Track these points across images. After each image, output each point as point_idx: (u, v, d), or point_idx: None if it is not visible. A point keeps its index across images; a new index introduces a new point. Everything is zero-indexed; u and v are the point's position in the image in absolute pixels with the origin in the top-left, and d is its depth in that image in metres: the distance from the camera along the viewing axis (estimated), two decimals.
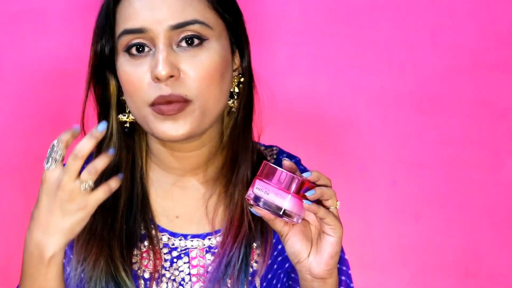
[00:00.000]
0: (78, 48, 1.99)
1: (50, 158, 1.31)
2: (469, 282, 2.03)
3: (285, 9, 2.04)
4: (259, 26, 2.01)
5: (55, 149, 1.31)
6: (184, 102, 1.37)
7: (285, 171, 1.29)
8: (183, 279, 1.45)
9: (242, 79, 1.48)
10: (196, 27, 1.38)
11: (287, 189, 1.29)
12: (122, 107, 1.47)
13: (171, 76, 1.36)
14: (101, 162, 1.31)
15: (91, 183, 1.31)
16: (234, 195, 1.46)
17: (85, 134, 1.48)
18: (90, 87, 1.46)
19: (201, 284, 1.44)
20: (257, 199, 1.30)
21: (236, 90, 1.47)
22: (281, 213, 1.29)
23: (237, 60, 1.47)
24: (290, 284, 1.49)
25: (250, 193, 1.31)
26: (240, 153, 1.47)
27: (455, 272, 2.02)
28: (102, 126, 1.31)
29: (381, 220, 2.02)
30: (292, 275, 1.49)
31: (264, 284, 1.45)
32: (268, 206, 1.29)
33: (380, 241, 2.02)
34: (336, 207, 1.32)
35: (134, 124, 1.47)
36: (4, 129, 1.99)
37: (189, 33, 1.38)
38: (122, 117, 1.47)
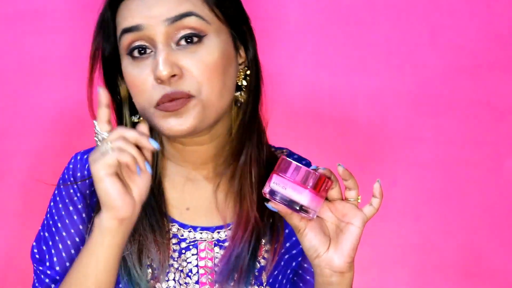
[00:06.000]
0: (78, 48, 1.99)
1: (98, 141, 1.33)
2: (469, 282, 2.03)
3: (285, 9, 2.04)
4: (259, 26, 2.00)
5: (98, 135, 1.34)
6: (187, 97, 1.38)
7: (303, 166, 1.30)
8: (190, 271, 1.45)
9: (248, 72, 1.49)
10: (192, 20, 1.39)
11: (304, 184, 1.29)
12: (134, 108, 1.49)
13: (173, 76, 1.37)
14: (137, 136, 1.31)
15: (105, 136, 1.32)
16: (241, 188, 1.47)
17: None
18: (93, 90, 1.48)
19: (208, 276, 1.45)
20: (274, 193, 1.31)
21: (244, 83, 1.48)
22: (298, 208, 1.30)
23: (242, 53, 1.48)
24: (295, 280, 1.50)
25: (267, 188, 1.31)
26: (245, 144, 1.48)
27: (455, 272, 2.02)
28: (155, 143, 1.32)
29: (381, 220, 2.02)
30: (300, 271, 1.50)
31: (270, 280, 1.46)
32: (285, 201, 1.30)
33: (380, 241, 2.02)
34: (357, 201, 1.35)
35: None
36: (4, 129, 1.99)
37: (188, 30, 1.39)
38: (134, 119, 1.49)
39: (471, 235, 2.03)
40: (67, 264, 1.46)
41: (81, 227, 1.48)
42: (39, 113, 1.99)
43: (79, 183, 1.50)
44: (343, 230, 1.33)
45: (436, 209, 2.03)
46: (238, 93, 1.47)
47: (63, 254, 1.47)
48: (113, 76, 1.48)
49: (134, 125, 1.48)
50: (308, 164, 1.57)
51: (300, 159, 1.57)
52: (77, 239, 1.48)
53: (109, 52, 1.45)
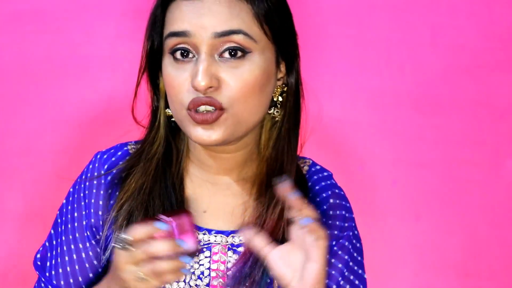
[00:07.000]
0: (78, 48, 2.00)
1: (119, 244, 1.30)
2: (469, 282, 2.02)
3: None
4: None
5: (125, 241, 1.29)
6: (218, 110, 1.38)
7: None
8: (202, 273, 1.45)
9: (285, 89, 1.48)
10: (240, 38, 1.39)
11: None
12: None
13: (210, 87, 1.37)
14: (171, 274, 1.29)
15: (145, 277, 1.29)
16: (276, 203, 1.45)
17: (136, 121, 1.52)
18: (140, 81, 1.49)
19: (220, 280, 1.45)
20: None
21: (280, 99, 1.48)
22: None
23: (283, 68, 1.48)
24: None
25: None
26: (285, 166, 1.47)
27: (455, 272, 2.02)
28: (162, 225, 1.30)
29: (381, 220, 2.02)
30: None
31: None
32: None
33: (380, 241, 2.02)
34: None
35: None
36: (4, 129, 1.99)
37: (233, 44, 1.39)
38: (169, 112, 1.49)
39: (471, 235, 2.03)
40: (60, 270, 1.47)
41: (88, 232, 1.48)
42: (39, 113, 1.99)
43: (97, 184, 1.49)
44: (305, 265, 1.32)
45: (436, 209, 2.03)
46: (272, 110, 1.47)
47: (58, 260, 1.48)
48: (154, 69, 1.49)
49: (168, 118, 1.49)
50: (329, 176, 1.56)
51: (322, 171, 1.57)
52: (86, 244, 1.48)
53: (157, 46, 1.46)
